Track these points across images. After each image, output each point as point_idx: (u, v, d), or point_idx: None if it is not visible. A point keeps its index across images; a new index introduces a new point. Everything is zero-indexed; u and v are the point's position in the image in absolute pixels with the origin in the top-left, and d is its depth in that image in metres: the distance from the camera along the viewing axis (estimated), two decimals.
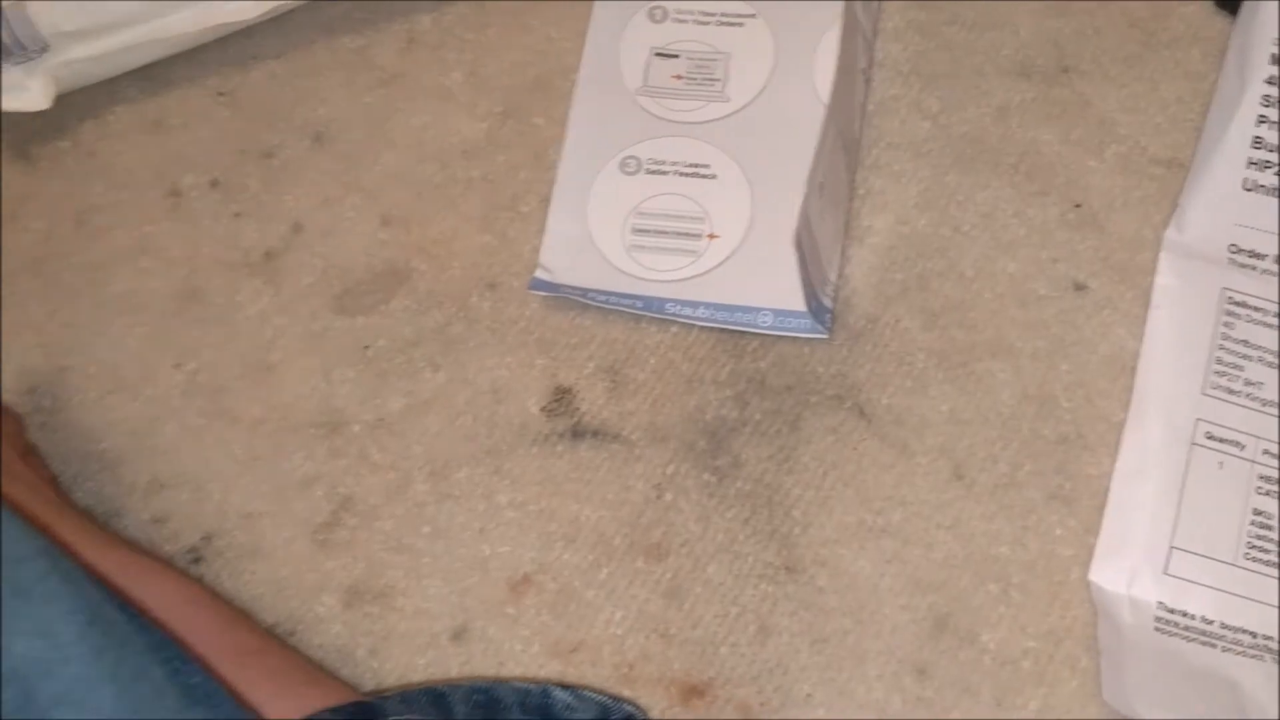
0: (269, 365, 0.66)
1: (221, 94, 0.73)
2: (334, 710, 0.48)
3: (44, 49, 0.68)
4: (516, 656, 0.59)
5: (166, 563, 0.60)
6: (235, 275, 0.68)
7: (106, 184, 0.72)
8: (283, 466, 0.64)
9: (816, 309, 0.61)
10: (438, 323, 0.66)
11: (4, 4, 0.66)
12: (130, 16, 0.68)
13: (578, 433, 0.63)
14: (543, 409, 0.63)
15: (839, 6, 0.63)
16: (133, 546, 0.59)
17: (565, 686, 0.53)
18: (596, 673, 0.58)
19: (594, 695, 0.53)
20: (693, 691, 0.57)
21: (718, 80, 0.68)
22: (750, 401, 0.62)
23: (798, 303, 0.61)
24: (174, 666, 0.42)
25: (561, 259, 0.65)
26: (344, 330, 0.66)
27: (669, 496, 0.61)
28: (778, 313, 0.62)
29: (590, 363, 0.64)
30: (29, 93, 0.70)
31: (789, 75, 0.67)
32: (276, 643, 0.57)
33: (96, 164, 0.72)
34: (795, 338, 0.63)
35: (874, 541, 0.59)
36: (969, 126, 0.66)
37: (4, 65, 0.68)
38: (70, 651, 0.36)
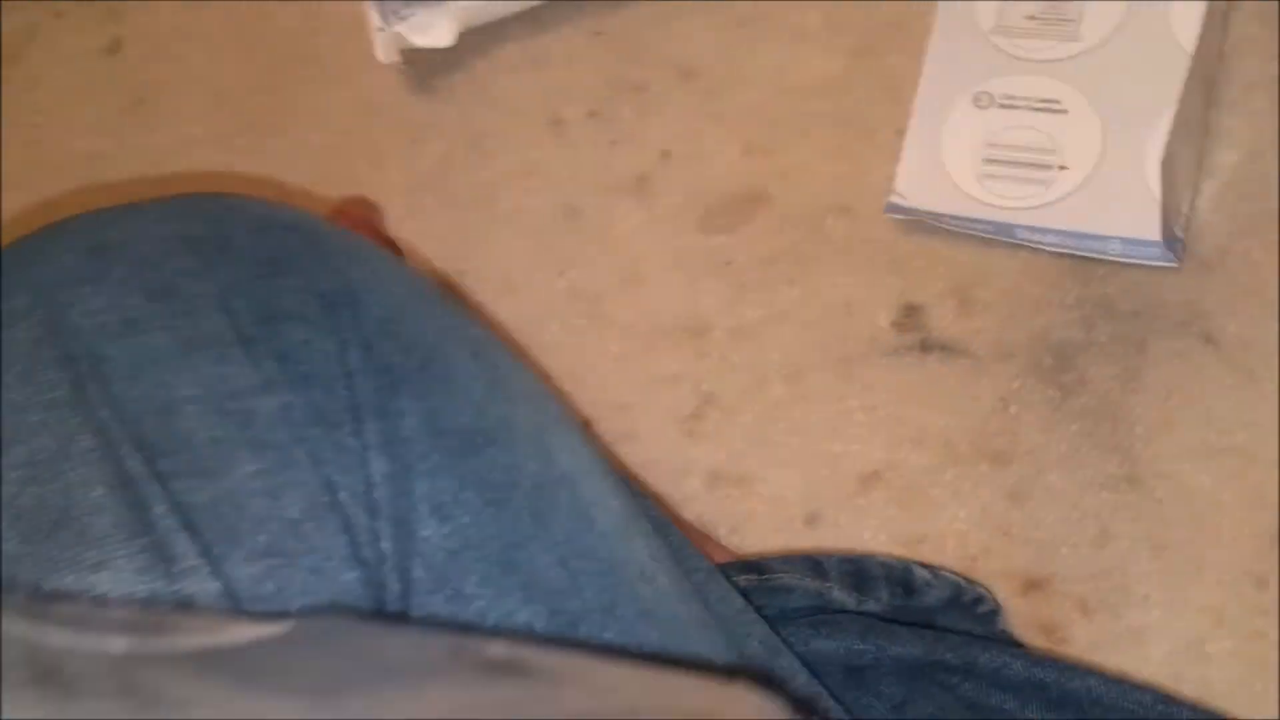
0: (640, 276, 0.74)
1: (597, 33, 0.81)
2: (731, 563, 0.55)
3: None
4: (865, 544, 0.65)
5: None
6: (611, 196, 0.76)
7: (497, 113, 0.81)
8: (653, 365, 0.72)
9: (1169, 239, 0.64)
10: (793, 241, 0.72)
11: None
12: None
13: (926, 346, 0.68)
14: (893, 324, 0.69)
15: None
16: None
17: (924, 565, 0.58)
18: (941, 562, 0.63)
19: (950, 575, 0.58)
20: (1033, 585, 0.62)
21: (1071, 20, 0.71)
22: (1096, 324, 0.66)
23: (1151, 231, 0.64)
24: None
25: (916, 185, 0.70)
26: (707, 247, 0.73)
27: (1014, 409, 0.65)
28: (1127, 241, 0.65)
29: (940, 282, 0.69)
30: (436, 30, 0.79)
31: (1144, 16, 0.69)
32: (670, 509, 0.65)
33: (488, 95, 0.81)
34: (1143, 265, 0.66)
35: (1216, 459, 0.62)
36: None
37: (417, 7, 0.78)
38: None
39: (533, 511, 0.36)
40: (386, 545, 0.33)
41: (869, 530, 0.65)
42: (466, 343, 0.38)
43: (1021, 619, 0.61)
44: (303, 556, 0.32)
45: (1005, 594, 0.62)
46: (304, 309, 0.35)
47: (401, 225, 0.78)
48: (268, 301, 0.35)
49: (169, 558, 0.30)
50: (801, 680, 0.43)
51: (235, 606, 0.30)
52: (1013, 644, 0.59)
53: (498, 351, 0.40)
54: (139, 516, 0.30)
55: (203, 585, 0.30)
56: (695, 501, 0.68)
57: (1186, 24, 0.67)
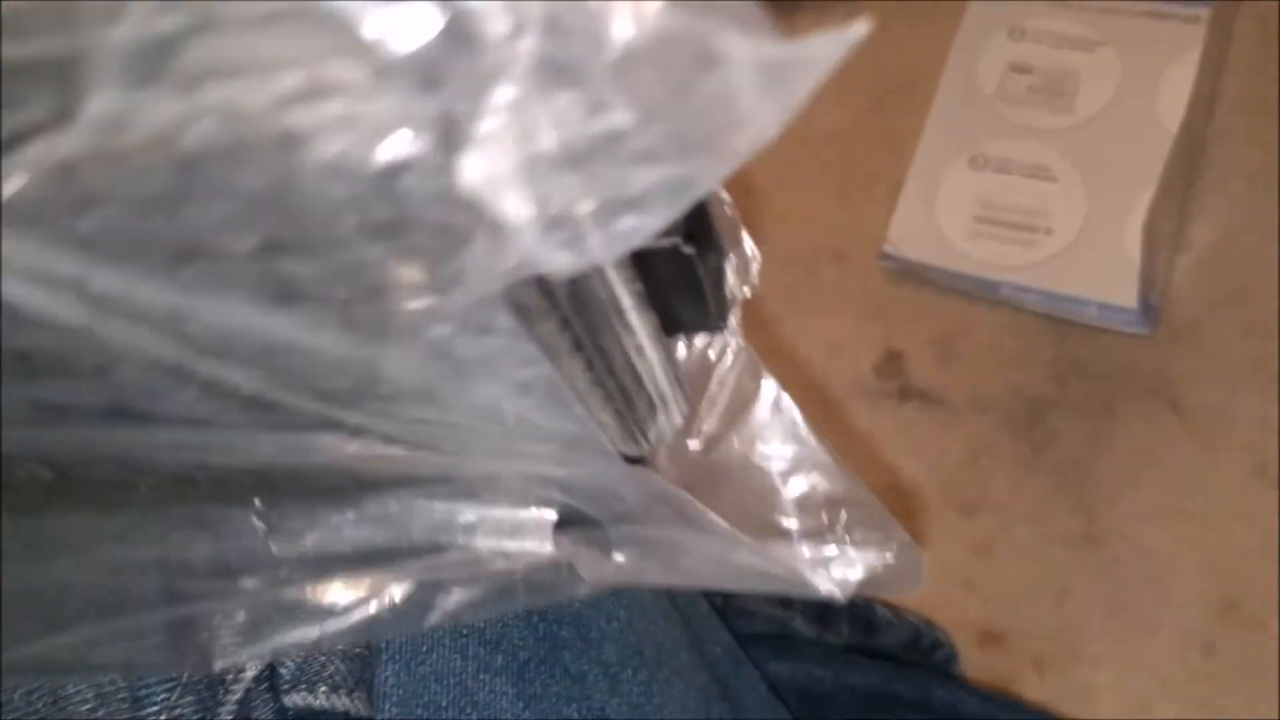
0: None
1: None
2: None
3: None
4: None
5: None
6: None
7: None
8: None
9: (1145, 306, 0.67)
10: (786, 283, 0.74)
11: None
12: None
13: (905, 393, 0.70)
14: (874, 368, 0.71)
15: (1194, 39, 0.69)
16: None
17: (886, 605, 0.60)
18: (901, 609, 0.65)
19: (911, 618, 0.60)
20: (990, 638, 0.64)
21: (1066, 95, 0.74)
22: (1069, 383, 0.68)
23: (1128, 298, 0.66)
24: None
25: (908, 237, 0.73)
26: None
27: (984, 461, 0.67)
28: (1104, 306, 0.68)
29: (923, 332, 0.71)
30: None
31: (1134, 97, 0.72)
32: None
33: None
34: (1118, 331, 0.68)
35: (1174, 523, 0.64)
36: None
37: None
38: None
39: None
40: None
41: None
42: None
43: (977, 670, 0.63)
44: None
45: (962, 644, 0.64)
46: None
47: None
48: None
49: None
50: (761, 692, 0.45)
51: None
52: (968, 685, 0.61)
53: None
54: None
55: None
56: None
57: (1172, 107, 0.70)
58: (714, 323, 0.22)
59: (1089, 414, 0.67)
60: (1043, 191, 0.72)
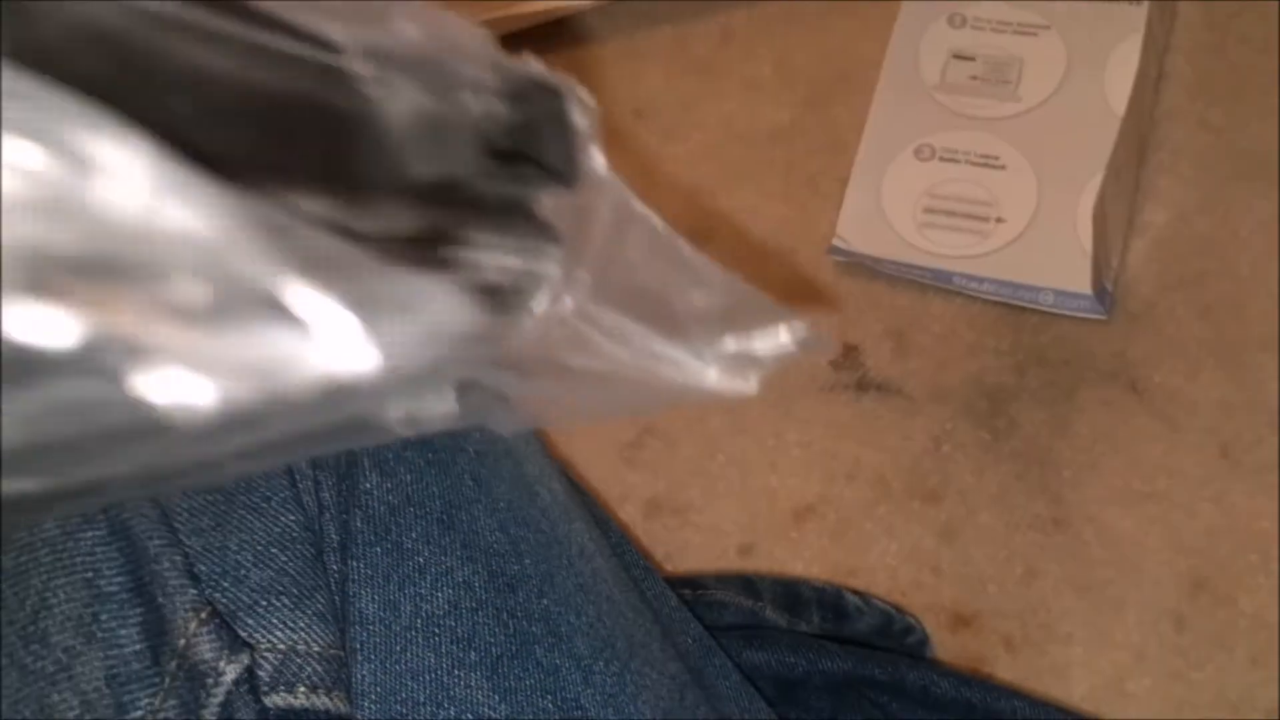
0: None
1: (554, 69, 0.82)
2: (666, 579, 0.55)
3: None
4: (798, 575, 0.65)
5: None
6: None
7: None
8: None
9: (1100, 291, 0.67)
10: None
11: None
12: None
13: (862, 385, 0.69)
14: (831, 363, 0.70)
15: (1138, 20, 0.69)
16: None
17: (855, 592, 0.59)
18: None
19: (880, 604, 0.59)
20: (960, 621, 0.63)
21: (1010, 82, 0.74)
22: (1028, 371, 0.67)
23: (1082, 284, 0.66)
24: None
25: (857, 230, 0.72)
26: None
27: (946, 449, 0.67)
28: (1059, 293, 0.67)
29: (878, 325, 0.70)
30: None
31: (1080, 81, 0.72)
32: None
33: None
34: (1074, 316, 0.68)
35: (1139, 505, 0.63)
36: (1252, 142, 0.71)
37: None
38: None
39: (475, 476, 0.36)
40: (327, 495, 0.33)
41: (802, 562, 0.65)
42: None
43: (949, 653, 0.62)
44: (241, 495, 0.31)
45: (933, 628, 0.63)
46: None
47: None
48: None
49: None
50: (734, 679, 0.44)
51: (172, 534, 0.30)
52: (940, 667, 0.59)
53: None
54: None
55: (140, 511, 0.30)
56: (632, 529, 0.68)
57: (1119, 90, 0.70)
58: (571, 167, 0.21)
59: (1049, 400, 0.66)
60: (991, 180, 0.72)
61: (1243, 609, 0.61)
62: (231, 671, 0.29)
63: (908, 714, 0.50)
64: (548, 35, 0.82)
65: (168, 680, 0.29)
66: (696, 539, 0.67)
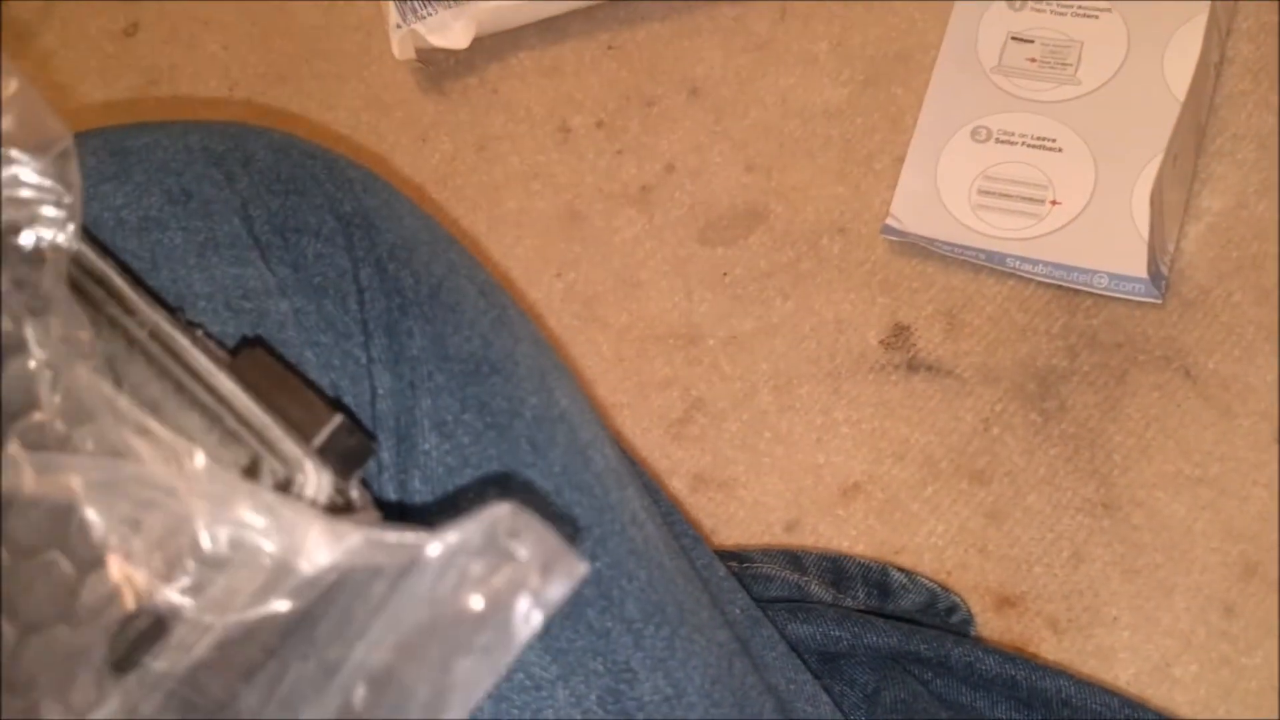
0: (638, 281, 0.75)
1: (611, 47, 0.83)
2: (717, 552, 0.56)
3: None
4: (843, 551, 0.65)
5: None
6: (613, 204, 0.78)
7: (506, 118, 0.82)
8: (644, 369, 0.73)
9: (1155, 275, 0.66)
10: (790, 259, 0.74)
11: None
12: None
13: (913, 366, 0.69)
14: (881, 342, 0.70)
15: (1200, 5, 0.68)
16: None
17: (901, 569, 0.59)
18: None
19: (925, 582, 0.59)
20: (1005, 602, 0.63)
21: (1070, 65, 0.73)
22: (1080, 354, 0.67)
23: (1138, 267, 0.66)
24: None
25: (911, 211, 0.72)
26: (706, 258, 0.75)
27: (995, 430, 0.67)
28: (1114, 276, 0.67)
29: (930, 305, 0.70)
30: (453, 32, 0.81)
31: (1140, 65, 0.72)
32: None
33: (498, 100, 0.83)
34: (1128, 300, 0.67)
35: (1190, 489, 0.63)
36: None
37: (436, 6, 0.80)
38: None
39: (531, 441, 0.36)
40: (386, 455, 0.34)
41: (847, 540, 0.66)
42: (475, 280, 0.39)
43: (993, 633, 0.62)
44: None
45: (978, 609, 0.63)
46: (320, 225, 0.36)
47: None
48: (286, 214, 0.36)
49: None
50: (781, 650, 0.44)
51: None
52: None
53: (503, 294, 0.41)
54: None
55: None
56: (678, 503, 0.68)
57: (1179, 74, 0.69)
58: None
59: (1100, 384, 0.66)
60: (1048, 163, 0.71)
61: None
62: None
63: (951, 690, 0.50)
64: (604, 14, 0.83)
65: None
66: (741, 514, 0.68)
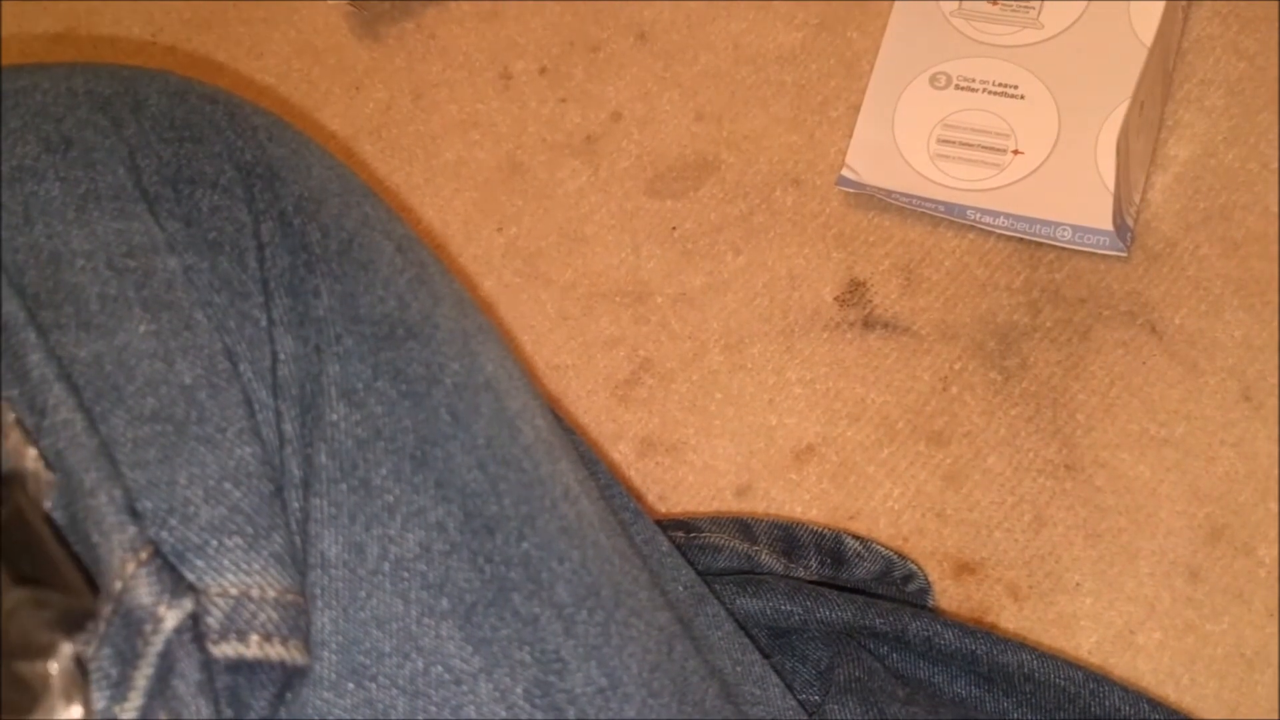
0: (583, 236, 0.72)
1: None
2: (659, 521, 0.53)
3: None
4: (796, 517, 0.63)
5: None
6: (557, 154, 0.74)
7: (444, 64, 0.78)
8: (590, 327, 0.69)
9: (1120, 227, 0.64)
10: (742, 211, 0.70)
11: None
12: None
13: (869, 323, 0.66)
14: (836, 298, 0.67)
15: None
16: None
17: (856, 536, 0.57)
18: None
19: (881, 549, 0.57)
20: (964, 568, 0.60)
21: (1032, 8, 0.70)
22: (1043, 309, 0.65)
23: (1102, 219, 0.63)
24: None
25: (867, 161, 0.69)
26: (654, 211, 0.71)
27: (954, 389, 0.64)
28: (1077, 228, 0.64)
29: (887, 259, 0.67)
30: None
31: (1106, 8, 0.69)
32: None
33: (436, 45, 0.79)
34: (1092, 253, 0.65)
35: (1155, 450, 0.61)
36: None
37: None
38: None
39: (452, 411, 0.33)
40: (289, 427, 0.31)
41: (801, 504, 0.63)
42: (391, 236, 0.36)
43: (951, 601, 0.60)
44: (193, 425, 0.29)
45: (936, 575, 0.61)
46: (218, 176, 0.33)
47: None
48: (179, 164, 0.33)
49: (39, 409, 0.27)
50: (727, 629, 0.41)
51: (112, 466, 0.27)
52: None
53: (424, 250, 0.37)
54: (9, 364, 0.27)
55: (75, 440, 0.27)
56: (625, 468, 0.66)
57: (1146, 19, 0.66)
58: None
59: (1063, 340, 0.64)
60: (1009, 110, 0.68)
61: (1261, 559, 0.58)
62: (172, 618, 0.27)
63: (909, 665, 0.48)
64: None
65: (102, 626, 0.26)
66: (691, 478, 0.65)
